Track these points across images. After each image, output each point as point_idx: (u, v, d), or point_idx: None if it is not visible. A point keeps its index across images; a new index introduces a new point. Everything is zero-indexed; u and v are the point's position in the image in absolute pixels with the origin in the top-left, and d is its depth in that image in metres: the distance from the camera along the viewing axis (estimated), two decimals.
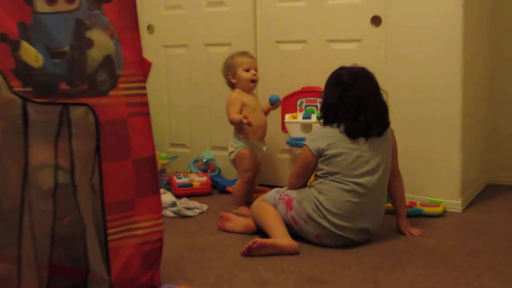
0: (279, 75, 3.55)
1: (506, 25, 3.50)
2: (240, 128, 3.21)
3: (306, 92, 3.41)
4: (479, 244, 2.59)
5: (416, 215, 2.99)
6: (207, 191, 3.60)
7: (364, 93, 2.60)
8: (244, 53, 3.26)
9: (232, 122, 3.19)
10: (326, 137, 2.60)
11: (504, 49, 3.52)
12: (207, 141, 3.96)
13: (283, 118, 3.50)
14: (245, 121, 3.04)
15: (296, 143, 3.33)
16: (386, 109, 2.65)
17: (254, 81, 3.21)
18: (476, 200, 3.31)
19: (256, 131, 3.24)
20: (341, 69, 2.69)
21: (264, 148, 3.35)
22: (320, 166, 2.62)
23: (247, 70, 3.19)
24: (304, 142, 2.69)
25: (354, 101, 2.59)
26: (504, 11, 3.48)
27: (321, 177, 2.62)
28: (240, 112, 3.16)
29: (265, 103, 3.38)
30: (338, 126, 2.60)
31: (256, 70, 3.23)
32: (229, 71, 3.25)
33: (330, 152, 2.56)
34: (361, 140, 2.57)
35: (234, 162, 3.28)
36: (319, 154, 2.60)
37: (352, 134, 2.57)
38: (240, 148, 3.22)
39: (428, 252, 2.50)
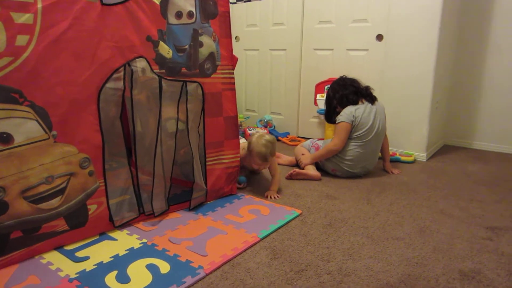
0: (315, 70, 3.42)
1: (465, 41, 3.24)
2: None
3: (331, 81, 3.27)
4: (436, 181, 2.47)
5: (396, 161, 2.88)
6: None
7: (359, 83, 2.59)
8: (263, 158, 2.17)
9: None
10: (353, 110, 2.45)
11: (462, 60, 3.28)
12: (268, 108, 3.90)
13: (315, 96, 3.39)
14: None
15: (322, 112, 3.23)
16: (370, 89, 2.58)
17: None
18: (435, 154, 3.15)
19: None
20: (342, 78, 2.64)
21: None
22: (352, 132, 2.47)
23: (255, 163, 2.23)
24: (339, 119, 2.46)
25: (361, 86, 2.56)
26: (465, 34, 3.23)
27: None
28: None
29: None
30: (356, 104, 2.50)
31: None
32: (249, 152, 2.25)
33: (357, 120, 2.43)
34: (372, 107, 2.47)
35: None
36: (352, 122, 2.43)
37: (371, 100, 2.51)
38: None
39: (403, 184, 2.41)
